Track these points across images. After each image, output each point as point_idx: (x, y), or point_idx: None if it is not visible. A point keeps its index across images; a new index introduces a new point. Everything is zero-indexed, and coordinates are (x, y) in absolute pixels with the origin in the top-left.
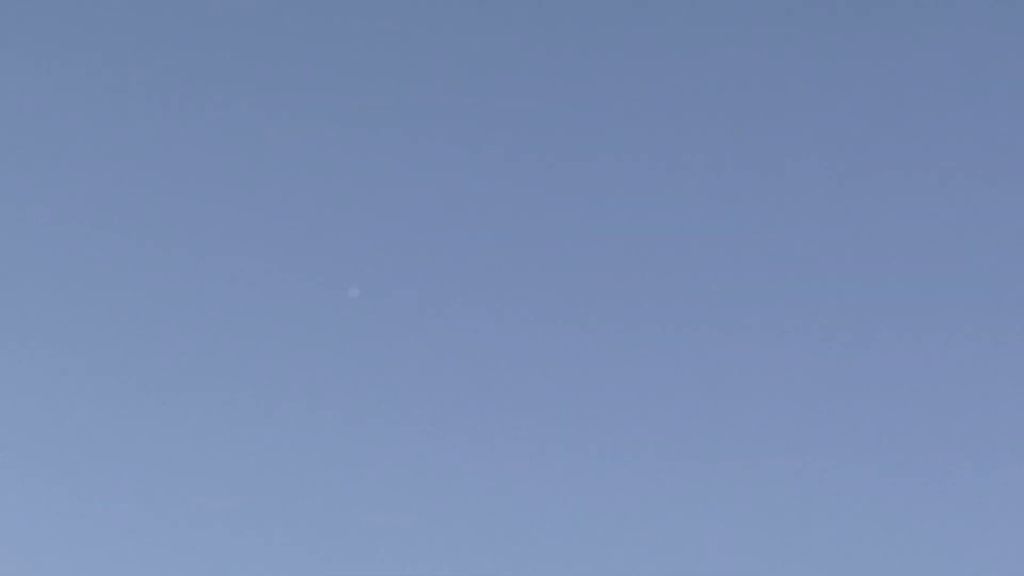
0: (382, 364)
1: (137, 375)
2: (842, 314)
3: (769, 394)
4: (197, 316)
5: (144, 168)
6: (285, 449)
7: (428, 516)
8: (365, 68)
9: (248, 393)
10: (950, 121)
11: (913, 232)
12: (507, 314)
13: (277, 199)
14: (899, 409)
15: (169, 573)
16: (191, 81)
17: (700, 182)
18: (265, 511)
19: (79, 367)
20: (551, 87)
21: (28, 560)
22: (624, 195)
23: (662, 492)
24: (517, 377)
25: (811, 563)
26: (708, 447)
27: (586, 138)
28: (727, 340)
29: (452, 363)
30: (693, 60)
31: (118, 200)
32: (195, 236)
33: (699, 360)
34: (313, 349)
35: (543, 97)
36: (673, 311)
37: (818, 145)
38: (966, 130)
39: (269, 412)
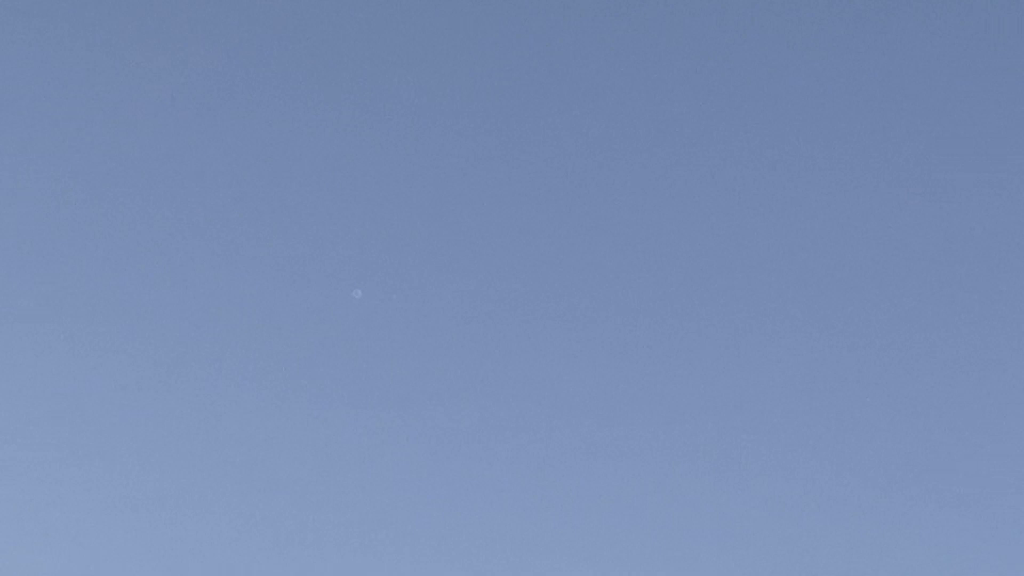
0: (385, 364)
1: (144, 375)
2: (842, 314)
3: (769, 394)
4: (202, 318)
5: (150, 169)
6: (290, 449)
7: (432, 514)
8: (371, 70)
9: (253, 394)
10: (950, 121)
11: (913, 232)
12: (510, 314)
13: (282, 201)
14: (899, 409)
15: (172, 570)
16: (195, 81)
17: (700, 182)
18: (271, 508)
19: (87, 368)
20: (554, 88)
21: (31, 556)
22: (625, 195)
23: (662, 492)
24: (520, 377)
25: (811, 563)
26: (708, 447)
27: (587, 138)
28: (727, 340)
29: (455, 363)
30: (693, 60)
31: (124, 201)
32: (200, 239)
33: (699, 360)
34: (317, 350)
35: (546, 98)
36: (673, 311)
37: (818, 145)
38: (966, 130)
39: (274, 412)
